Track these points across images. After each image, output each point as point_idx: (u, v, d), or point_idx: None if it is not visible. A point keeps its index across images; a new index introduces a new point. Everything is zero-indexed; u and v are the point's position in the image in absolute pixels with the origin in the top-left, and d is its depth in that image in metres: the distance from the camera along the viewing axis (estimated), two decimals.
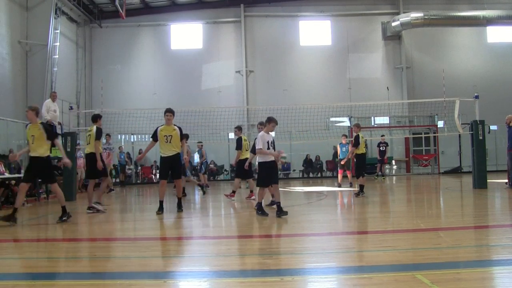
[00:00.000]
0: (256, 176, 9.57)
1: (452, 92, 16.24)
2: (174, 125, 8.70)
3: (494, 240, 5.56)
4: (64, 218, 7.70)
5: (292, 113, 16.76)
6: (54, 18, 18.52)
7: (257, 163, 9.45)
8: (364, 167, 11.72)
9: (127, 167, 20.97)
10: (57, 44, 18.81)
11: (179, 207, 8.80)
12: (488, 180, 12.72)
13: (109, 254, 5.37)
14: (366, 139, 12.07)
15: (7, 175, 11.06)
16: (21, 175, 13.97)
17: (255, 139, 9.38)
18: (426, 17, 22.80)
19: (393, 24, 23.67)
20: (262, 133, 7.73)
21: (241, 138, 11.11)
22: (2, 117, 14.58)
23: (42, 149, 7.54)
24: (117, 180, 20.36)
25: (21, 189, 7.67)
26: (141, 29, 24.36)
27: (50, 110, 12.57)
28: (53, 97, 12.99)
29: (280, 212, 7.44)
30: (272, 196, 8.86)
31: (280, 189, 8.13)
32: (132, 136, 21.57)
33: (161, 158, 8.69)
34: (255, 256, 4.86)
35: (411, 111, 23.35)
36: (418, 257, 4.51)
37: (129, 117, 16.40)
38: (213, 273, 4.23)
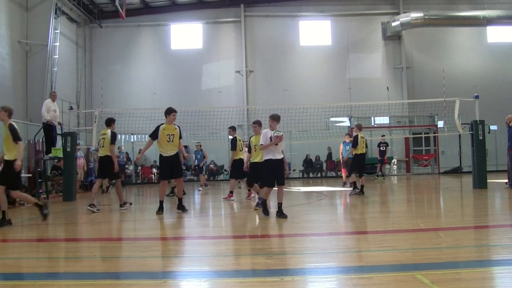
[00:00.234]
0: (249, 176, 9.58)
1: (452, 92, 16.24)
2: (174, 124, 8.73)
3: (494, 240, 5.56)
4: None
5: (292, 113, 16.76)
6: (54, 18, 18.51)
7: (249, 163, 9.44)
8: (362, 167, 11.70)
9: (126, 167, 20.95)
10: (57, 44, 18.80)
11: (183, 208, 8.70)
12: (488, 180, 12.72)
13: (109, 254, 5.37)
14: (366, 139, 12.06)
15: None
16: (21, 175, 14.01)
17: (249, 139, 9.38)
18: (426, 17, 22.80)
19: (393, 24, 23.68)
20: (265, 130, 7.63)
21: (236, 138, 11.12)
22: None
23: (10, 153, 7.34)
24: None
25: None
26: (141, 29, 24.36)
27: (50, 110, 12.56)
28: (53, 97, 12.98)
29: (281, 214, 7.38)
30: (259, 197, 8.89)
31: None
32: (132, 136, 21.56)
33: (163, 157, 8.58)
34: (255, 256, 4.86)
35: (411, 111, 23.35)
36: (418, 257, 4.51)
37: (129, 117, 16.39)
38: (213, 273, 4.23)
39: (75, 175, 13.29)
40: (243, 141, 11.59)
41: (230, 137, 11.49)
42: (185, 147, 12.39)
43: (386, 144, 18.82)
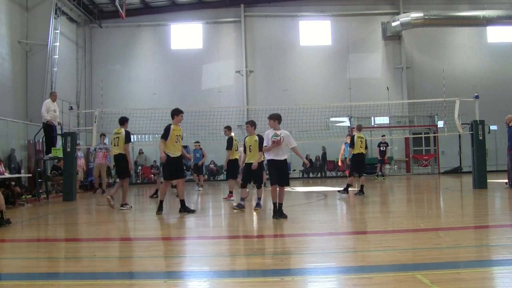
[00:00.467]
0: (240, 176, 9.56)
1: (452, 92, 16.22)
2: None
3: (494, 240, 5.56)
4: None
5: (292, 113, 16.75)
6: (54, 18, 18.50)
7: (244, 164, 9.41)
8: (361, 167, 11.70)
9: None
10: (57, 44, 18.79)
11: (189, 210, 8.61)
12: (488, 180, 12.72)
13: (109, 254, 5.37)
14: (366, 140, 12.06)
15: (7, 175, 11.05)
16: (21, 175, 14.05)
17: (244, 139, 9.35)
18: (426, 17, 22.79)
19: (393, 24, 23.67)
20: (268, 131, 7.58)
21: (232, 138, 11.11)
22: (2, 117, 14.57)
23: None
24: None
25: None
26: (141, 29, 24.35)
27: (50, 110, 12.57)
28: (54, 97, 12.98)
29: (280, 214, 7.36)
30: (259, 199, 8.89)
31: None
32: (132, 136, 21.48)
33: (170, 158, 8.46)
34: (255, 256, 4.86)
35: (411, 111, 23.35)
36: (418, 257, 4.51)
37: (129, 117, 16.24)
38: (213, 273, 4.23)
39: (75, 175, 13.28)
40: (238, 141, 11.59)
41: (226, 136, 11.52)
42: (185, 147, 12.38)
43: (386, 144, 18.81)
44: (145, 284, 3.90)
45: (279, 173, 7.38)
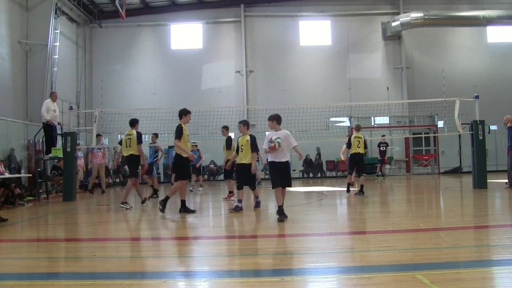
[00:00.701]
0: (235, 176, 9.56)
1: (452, 92, 16.23)
2: None
3: (494, 240, 5.56)
4: None
5: (292, 113, 16.75)
6: (54, 18, 18.50)
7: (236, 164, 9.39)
8: (359, 167, 11.66)
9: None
10: (57, 44, 18.79)
11: (188, 209, 8.57)
12: (488, 180, 12.71)
13: (109, 254, 5.36)
14: (366, 139, 12.04)
15: (7, 175, 11.05)
16: (21, 175, 14.06)
17: (237, 139, 9.31)
18: (426, 17, 22.79)
19: (393, 24, 23.67)
20: (268, 133, 7.52)
21: (231, 138, 11.09)
22: (2, 117, 14.57)
23: None
24: (117, 180, 20.34)
25: None
26: (141, 29, 24.35)
27: (50, 110, 12.56)
28: (53, 97, 12.98)
29: (280, 215, 7.30)
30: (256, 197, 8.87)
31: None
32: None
33: (183, 158, 8.49)
34: (255, 256, 4.86)
35: (411, 111, 23.35)
36: (418, 257, 4.51)
37: (129, 117, 16.30)
38: (213, 273, 4.22)
39: (75, 175, 13.29)
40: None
41: (224, 136, 11.52)
42: None
43: (386, 144, 18.80)
44: (145, 284, 3.90)
45: (281, 175, 7.29)
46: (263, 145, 7.52)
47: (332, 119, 22.01)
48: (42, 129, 12.86)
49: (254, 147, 8.74)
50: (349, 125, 22.35)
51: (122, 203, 9.81)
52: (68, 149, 12.50)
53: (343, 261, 4.59)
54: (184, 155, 8.50)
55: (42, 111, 12.53)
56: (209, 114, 17.94)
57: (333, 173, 23.07)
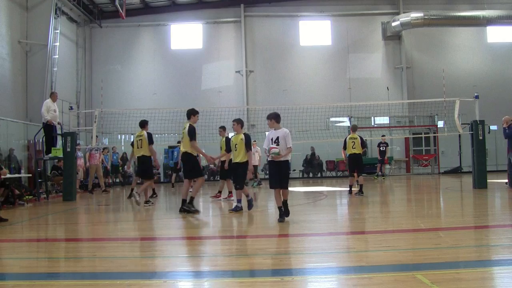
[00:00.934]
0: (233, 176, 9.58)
1: (452, 92, 16.23)
2: None
3: (494, 240, 5.55)
4: None
5: (292, 113, 16.74)
6: (54, 18, 18.51)
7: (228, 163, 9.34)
8: (358, 167, 11.64)
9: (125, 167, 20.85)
10: (57, 44, 18.80)
11: (189, 210, 8.54)
12: (488, 180, 12.71)
13: (109, 254, 5.36)
14: (364, 139, 12.01)
15: (7, 175, 11.03)
16: (21, 175, 14.05)
17: (231, 138, 9.30)
18: (426, 17, 22.79)
19: (393, 24, 23.67)
20: (268, 132, 7.48)
21: (229, 139, 11.05)
22: (2, 117, 14.58)
23: None
24: (116, 180, 20.33)
25: None
26: (141, 29, 24.35)
27: (50, 110, 12.56)
28: (54, 97, 12.98)
29: (280, 216, 7.28)
30: (247, 196, 8.83)
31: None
32: (132, 136, 21.49)
33: (194, 156, 8.67)
34: (255, 256, 4.86)
35: (411, 111, 23.34)
36: (418, 257, 4.51)
37: (129, 117, 16.37)
38: (213, 273, 4.22)
39: (75, 175, 13.29)
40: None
41: (221, 137, 11.51)
42: (175, 147, 12.46)
43: (386, 144, 18.80)
44: (145, 284, 3.89)
45: (278, 176, 7.16)
46: (263, 145, 7.52)
47: (332, 119, 22.01)
48: (42, 129, 12.86)
49: (248, 146, 8.75)
50: (349, 125, 22.33)
51: (145, 202, 10.32)
52: (68, 149, 12.50)
53: (343, 261, 4.59)
54: (195, 154, 8.61)
55: (42, 111, 12.53)
56: (209, 114, 17.89)
57: (333, 173, 23.05)
